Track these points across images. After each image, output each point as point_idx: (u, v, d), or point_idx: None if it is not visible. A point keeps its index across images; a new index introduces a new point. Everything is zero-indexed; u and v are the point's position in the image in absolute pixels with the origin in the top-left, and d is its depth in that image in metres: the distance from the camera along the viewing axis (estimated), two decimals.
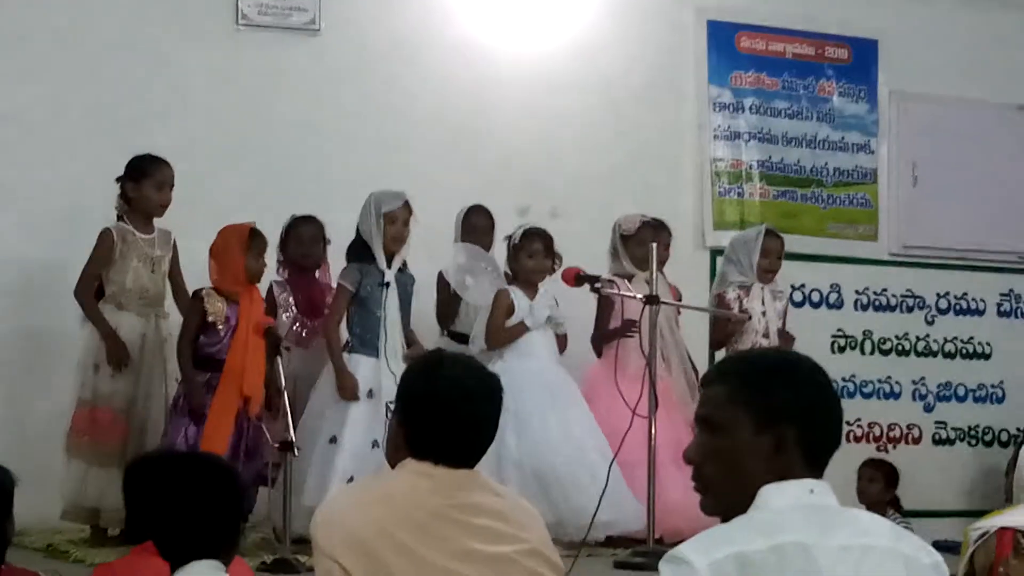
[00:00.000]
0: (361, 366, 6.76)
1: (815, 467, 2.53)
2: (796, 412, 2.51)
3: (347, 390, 6.69)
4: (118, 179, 6.76)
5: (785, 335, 7.62)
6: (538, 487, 6.67)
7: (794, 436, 2.50)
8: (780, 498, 2.47)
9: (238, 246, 6.61)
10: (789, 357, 2.68)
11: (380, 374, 6.67)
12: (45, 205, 7.44)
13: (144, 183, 6.71)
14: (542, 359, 7.14)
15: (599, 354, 7.41)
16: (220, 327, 6.56)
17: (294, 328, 7.08)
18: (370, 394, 6.68)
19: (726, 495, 2.52)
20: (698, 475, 2.58)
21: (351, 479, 6.33)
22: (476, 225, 7.51)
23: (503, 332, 7.07)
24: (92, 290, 6.68)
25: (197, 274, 6.77)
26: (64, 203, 7.40)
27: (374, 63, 8.27)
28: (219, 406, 6.46)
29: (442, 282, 7.46)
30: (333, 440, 6.61)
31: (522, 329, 7.07)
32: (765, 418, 2.50)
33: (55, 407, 6.80)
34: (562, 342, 7.31)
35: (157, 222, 6.83)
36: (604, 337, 7.38)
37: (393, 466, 3.48)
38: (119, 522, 6.44)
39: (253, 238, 6.66)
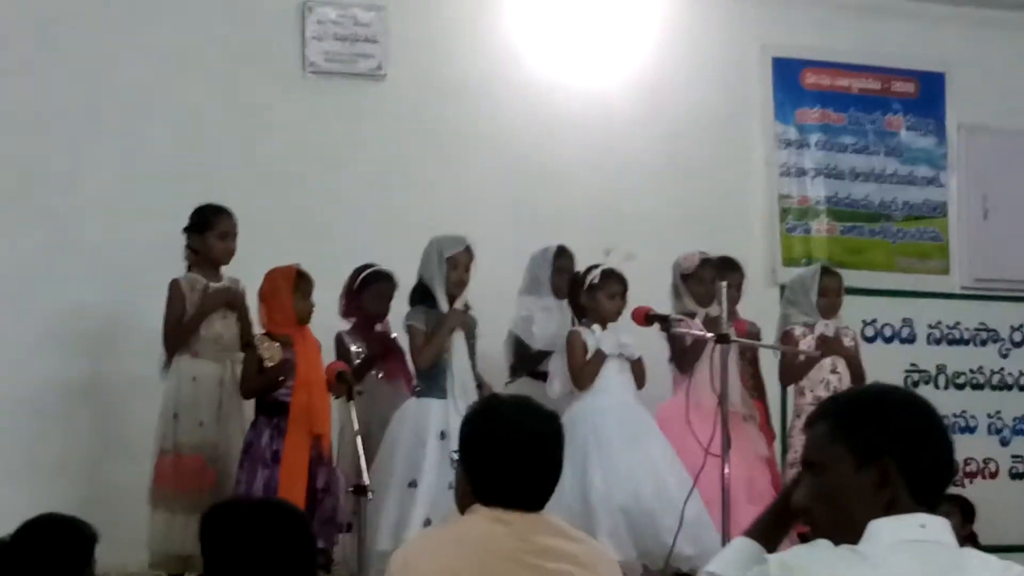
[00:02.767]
0: (432, 409, 6.79)
1: (925, 502, 2.48)
2: (896, 444, 2.48)
3: (456, 315, 6.78)
4: (185, 229, 6.83)
5: (858, 376, 7.58)
6: (625, 523, 6.68)
7: (896, 469, 2.46)
8: (889, 531, 2.43)
9: (286, 288, 6.68)
10: (888, 390, 2.65)
11: (449, 416, 6.69)
12: (118, 254, 7.50)
13: (208, 234, 6.79)
14: (618, 395, 7.14)
15: (684, 370, 7.34)
16: (281, 378, 6.58)
17: (377, 375, 7.13)
18: (442, 435, 6.69)
19: (837, 535, 2.47)
20: (809, 519, 2.57)
21: (428, 522, 6.35)
22: (563, 267, 7.49)
23: (586, 368, 7.07)
24: (180, 343, 6.72)
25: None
26: (136, 252, 7.46)
27: (439, 107, 8.31)
28: (291, 449, 6.50)
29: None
30: (412, 484, 6.63)
31: (601, 357, 7.07)
32: (865, 452, 2.48)
33: (131, 458, 6.85)
34: (639, 373, 7.27)
35: (225, 270, 6.89)
36: (686, 354, 7.32)
37: (463, 512, 3.48)
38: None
39: (300, 279, 6.71)
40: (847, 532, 2.46)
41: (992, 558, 2.52)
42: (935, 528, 2.47)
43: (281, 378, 6.58)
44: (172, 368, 6.73)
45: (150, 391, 6.84)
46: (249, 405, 6.74)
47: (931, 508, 2.49)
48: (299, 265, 6.74)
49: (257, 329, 6.78)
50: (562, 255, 7.53)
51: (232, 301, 6.77)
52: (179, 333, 6.71)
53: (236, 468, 6.63)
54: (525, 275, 7.56)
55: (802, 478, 2.60)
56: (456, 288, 6.89)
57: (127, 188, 7.63)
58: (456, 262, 6.87)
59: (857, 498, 2.48)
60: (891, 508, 2.46)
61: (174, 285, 6.75)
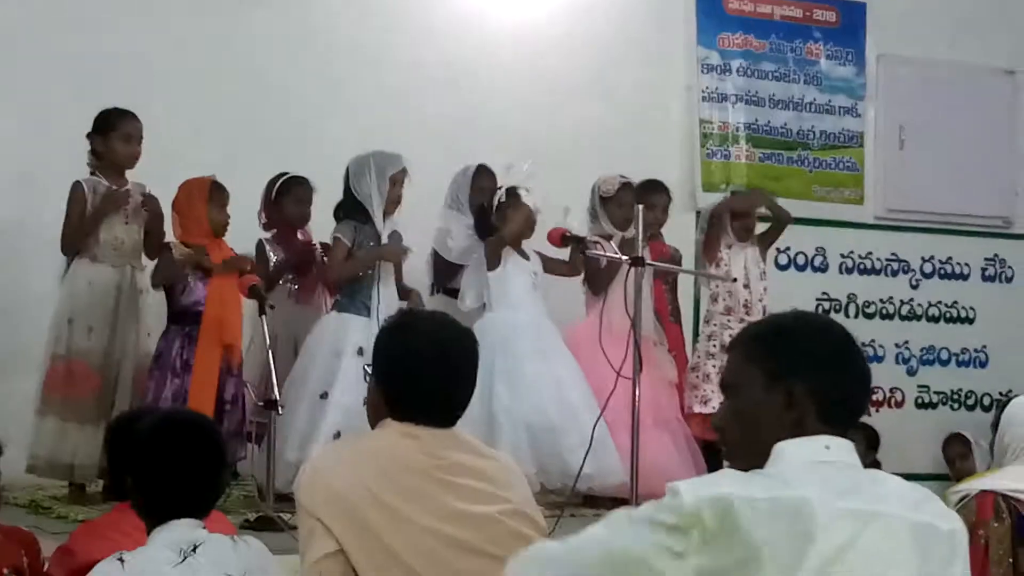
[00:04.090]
0: (351, 324, 6.76)
1: (834, 424, 2.54)
2: (804, 367, 2.54)
3: (393, 252, 6.78)
4: (88, 134, 6.72)
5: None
6: (527, 436, 6.74)
7: (804, 390, 2.52)
8: (793, 454, 2.49)
9: (200, 199, 6.63)
10: (805, 316, 2.72)
11: (370, 334, 6.65)
12: (17, 163, 7.38)
13: (112, 135, 6.67)
14: (531, 312, 7.16)
15: (597, 292, 7.37)
16: (191, 280, 6.56)
17: (290, 285, 7.10)
18: (360, 352, 6.67)
19: (748, 455, 2.54)
20: (723, 439, 2.64)
21: (338, 434, 6.36)
22: (483, 187, 7.47)
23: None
24: (76, 245, 6.64)
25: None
26: (35, 161, 7.34)
27: (367, 23, 8.24)
28: (202, 359, 6.46)
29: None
30: (324, 396, 6.62)
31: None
32: (774, 374, 2.54)
33: (25, 365, 6.76)
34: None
35: (130, 175, 6.78)
36: (599, 276, 7.34)
37: (373, 426, 3.48)
38: (93, 478, 6.45)
39: (215, 190, 6.66)
40: (755, 452, 2.51)
41: (905, 484, 2.57)
42: (839, 450, 2.52)
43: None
44: (69, 272, 6.62)
45: (44, 296, 6.75)
46: (152, 313, 6.65)
47: (840, 432, 2.52)
48: (214, 176, 6.68)
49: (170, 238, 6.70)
50: (482, 174, 7.52)
51: (126, 206, 6.64)
52: (76, 235, 6.60)
53: (133, 375, 6.56)
54: (448, 192, 7.54)
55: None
56: (393, 206, 6.87)
57: (30, 95, 7.48)
58: (395, 180, 6.84)
59: (765, 418, 2.54)
60: (797, 430, 2.50)
61: (75, 187, 6.64)
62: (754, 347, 2.60)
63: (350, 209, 6.89)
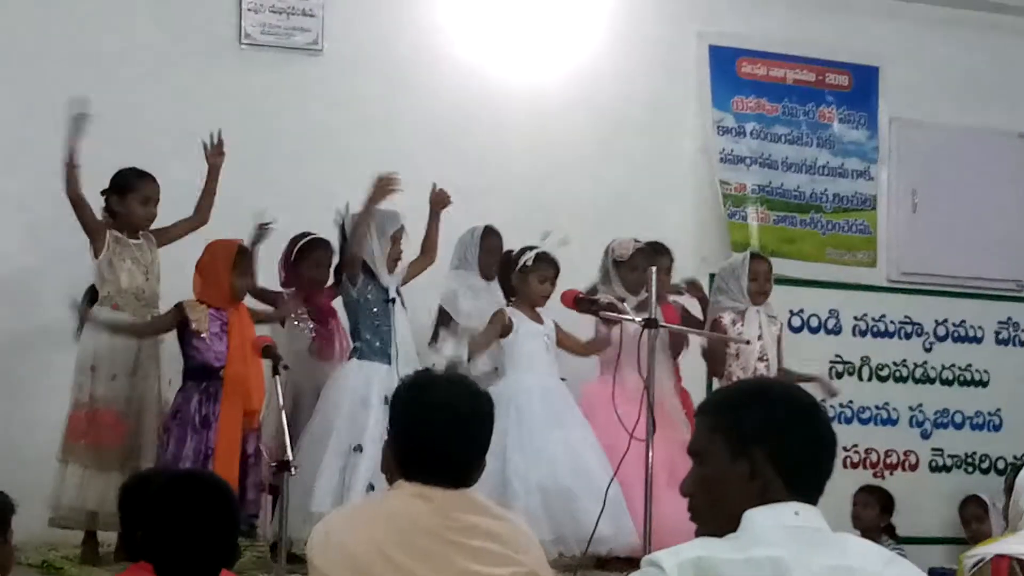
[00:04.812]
0: (376, 372, 6.79)
1: (799, 491, 2.54)
2: (766, 436, 2.54)
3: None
4: (103, 192, 6.75)
5: (780, 369, 7.64)
6: (541, 501, 6.73)
7: (766, 460, 2.52)
8: (762, 520, 2.49)
9: (225, 265, 6.64)
10: (764, 383, 2.77)
11: (393, 382, 6.67)
12: (40, 214, 7.40)
13: (130, 197, 6.70)
14: (544, 376, 7.17)
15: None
16: (204, 335, 6.57)
17: (313, 341, 7.14)
18: (386, 400, 6.68)
19: (715, 522, 2.54)
20: (691, 506, 2.63)
21: (371, 487, 6.36)
22: (492, 247, 7.49)
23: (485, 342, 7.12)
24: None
25: (186, 288, 6.78)
26: (59, 214, 7.37)
27: (375, 84, 8.29)
28: (226, 417, 6.48)
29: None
30: (358, 449, 6.61)
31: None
32: (737, 444, 2.54)
33: (42, 417, 6.77)
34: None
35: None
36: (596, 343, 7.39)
37: (390, 483, 3.48)
38: (117, 526, 6.44)
39: (240, 256, 6.68)
40: (723, 520, 2.52)
41: (872, 545, 2.58)
42: (808, 516, 2.53)
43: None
44: (91, 320, 6.64)
45: (69, 348, 6.75)
46: (169, 364, 6.68)
47: (807, 499, 2.53)
48: (242, 241, 6.70)
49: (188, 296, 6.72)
50: (489, 235, 7.54)
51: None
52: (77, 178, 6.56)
53: (154, 427, 6.58)
54: (454, 252, 7.56)
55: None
56: (393, 264, 6.92)
57: (49, 151, 7.52)
58: (395, 238, 6.89)
59: (732, 488, 2.54)
60: (764, 498, 2.52)
61: (102, 220, 6.68)
62: (718, 416, 2.61)
63: (352, 268, 6.93)
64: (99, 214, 6.74)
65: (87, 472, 6.47)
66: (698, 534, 2.59)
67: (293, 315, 7.15)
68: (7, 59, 7.59)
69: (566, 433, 7.01)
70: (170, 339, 6.73)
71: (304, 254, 7.24)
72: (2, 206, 7.42)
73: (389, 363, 6.81)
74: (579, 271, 7.43)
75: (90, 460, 6.48)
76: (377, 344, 6.86)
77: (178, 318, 6.61)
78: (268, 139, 8.02)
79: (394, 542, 3.28)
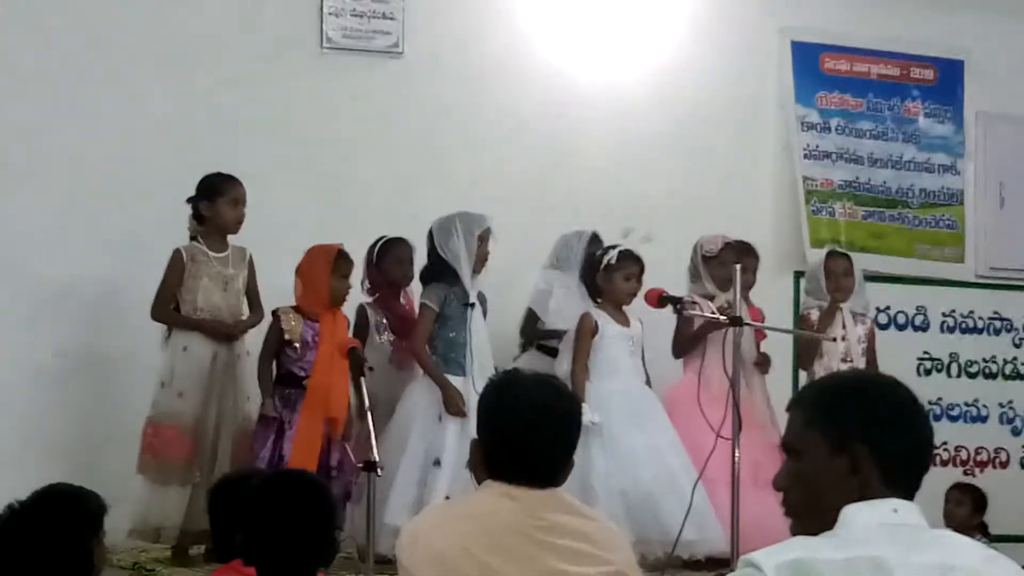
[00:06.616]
0: None
1: (898, 487, 2.51)
2: (867, 431, 2.51)
3: (455, 403, 6.73)
4: (189, 199, 6.81)
5: (870, 362, 7.59)
6: (624, 505, 6.70)
7: (868, 455, 2.49)
8: (862, 516, 2.46)
9: (325, 268, 6.67)
10: (863, 377, 2.72)
11: (469, 394, 6.69)
12: (119, 225, 7.48)
13: (219, 200, 6.77)
14: (626, 378, 7.14)
15: (679, 355, 7.37)
16: (297, 344, 6.61)
17: (392, 349, 7.15)
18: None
19: (812, 519, 2.52)
20: (785, 501, 2.61)
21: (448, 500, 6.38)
22: (594, 254, 7.45)
23: (585, 354, 7.08)
24: (168, 310, 6.72)
25: (271, 294, 6.86)
26: (138, 224, 7.44)
27: (456, 86, 8.30)
28: (305, 426, 6.51)
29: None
30: (437, 463, 6.63)
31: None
32: (837, 440, 2.51)
33: (128, 425, 6.83)
34: None
35: (232, 239, 6.88)
36: (688, 339, 7.33)
37: (478, 484, 3.49)
38: (180, 541, 6.50)
39: (340, 260, 6.71)
40: (820, 516, 2.50)
41: (972, 542, 2.55)
42: (907, 512, 2.50)
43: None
44: (170, 338, 6.72)
45: (150, 362, 6.81)
46: (254, 380, 6.72)
47: (905, 495, 2.50)
48: (341, 245, 6.74)
49: (286, 302, 6.76)
50: (595, 242, 7.51)
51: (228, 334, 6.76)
52: (167, 303, 6.69)
53: (230, 443, 6.61)
54: (553, 252, 7.56)
55: (783, 461, 2.64)
56: (481, 265, 6.93)
57: (132, 160, 7.61)
58: (482, 238, 6.90)
59: (830, 484, 2.51)
60: (863, 494, 2.49)
61: (175, 255, 6.74)
62: (816, 411, 2.57)
63: (437, 271, 6.94)
64: (187, 222, 6.81)
65: (153, 486, 6.54)
66: (793, 530, 2.56)
67: (373, 324, 7.16)
68: (93, 72, 7.65)
69: (650, 438, 6.98)
70: (253, 353, 6.78)
71: (384, 253, 7.26)
72: (85, 223, 7.48)
73: (463, 374, 6.81)
74: (662, 269, 7.40)
75: (157, 475, 6.54)
76: (451, 355, 6.87)
77: (277, 328, 6.65)
78: (350, 142, 8.05)
79: (481, 542, 3.29)
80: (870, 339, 7.78)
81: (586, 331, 7.11)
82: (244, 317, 6.83)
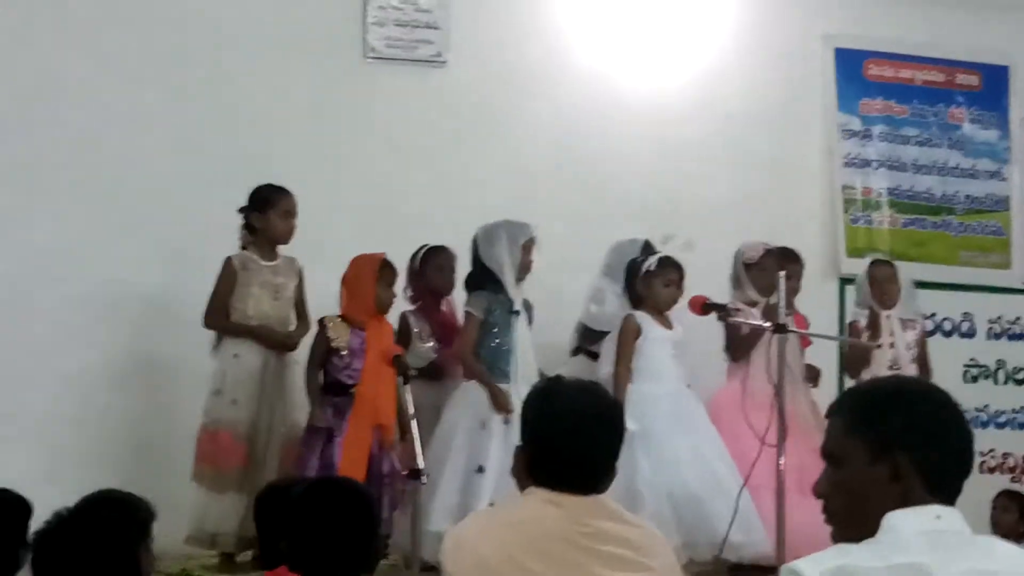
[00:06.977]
0: None
1: (941, 494, 2.50)
2: (908, 438, 2.50)
3: (503, 404, 6.74)
4: (241, 209, 6.86)
5: (922, 367, 7.57)
6: (670, 508, 6.68)
7: (910, 463, 2.49)
8: (905, 523, 2.45)
9: (370, 276, 6.70)
10: (904, 384, 2.71)
11: (513, 401, 6.70)
12: (168, 233, 7.54)
13: (270, 212, 6.81)
14: (671, 382, 7.14)
15: (737, 358, 7.35)
16: (344, 353, 6.64)
17: (437, 357, 7.17)
18: (506, 421, 6.72)
19: (853, 526, 2.51)
20: (826, 508, 2.60)
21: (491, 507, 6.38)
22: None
23: (628, 356, 7.08)
24: (221, 318, 6.78)
25: (318, 302, 6.89)
26: (187, 231, 7.49)
27: (499, 94, 8.32)
28: (353, 434, 6.54)
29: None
30: (480, 470, 6.65)
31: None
32: (879, 447, 2.50)
33: (179, 432, 6.88)
34: None
35: (282, 249, 6.92)
36: (744, 340, 7.29)
37: (522, 490, 3.49)
38: (236, 547, 6.53)
39: (384, 269, 6.74)
40: (861, 523, 2.49)
41: (1018, 549, 2.54)
42: (950, 519, 2.48)
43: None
44: (222, 345, 6.77)
45: (200, 369, 6.86)
46: (302, 389, 6.76)
47: (947, 501, 2.49)
48: (385, 254, 6.77)
49: (333, 311, 6.78)
50: (647, 250, 7.51)
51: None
52: (219, 312, 6.74)
53: (281, 446, 6.66)
54: (607, 259, 7.56)
55: (824, 468, 2.62)
56: (524, 272, 6.95)
57: (182, 168, 7.66)
58: (527, 247, 6.92)
59: (871, 491, 2.51)
60: (905, 501, 2.48)
61: (226, 263, 6.79)
62: (856, 418, 2.56)
63: (481, 279, 6.96)
64: (238, 231, 6.85)
65: (209, 493, 6.58)
66: (834, 537, 2.56)
67: (417, 331, 7.18)
68: (146, 83, 7.71)
69: (693, 441, 6.97)
70: (301, 361, 6.81)
71: (427, 261, 7.28)
72: (138, 231, 7.54)
73: (508, 381, 6.83)
74: (705, 276, 7.39)
75: (211, 482, 6.58)
76: (496, 363, 6.88)
77: (324, 337, 6.68)
78: (393, 151, 8.08)
79: (525, 548, 3.30)
80: (921, 345, 7.75)
81: (629, 333, 7.11)
82: (292, 327, 6.86)
